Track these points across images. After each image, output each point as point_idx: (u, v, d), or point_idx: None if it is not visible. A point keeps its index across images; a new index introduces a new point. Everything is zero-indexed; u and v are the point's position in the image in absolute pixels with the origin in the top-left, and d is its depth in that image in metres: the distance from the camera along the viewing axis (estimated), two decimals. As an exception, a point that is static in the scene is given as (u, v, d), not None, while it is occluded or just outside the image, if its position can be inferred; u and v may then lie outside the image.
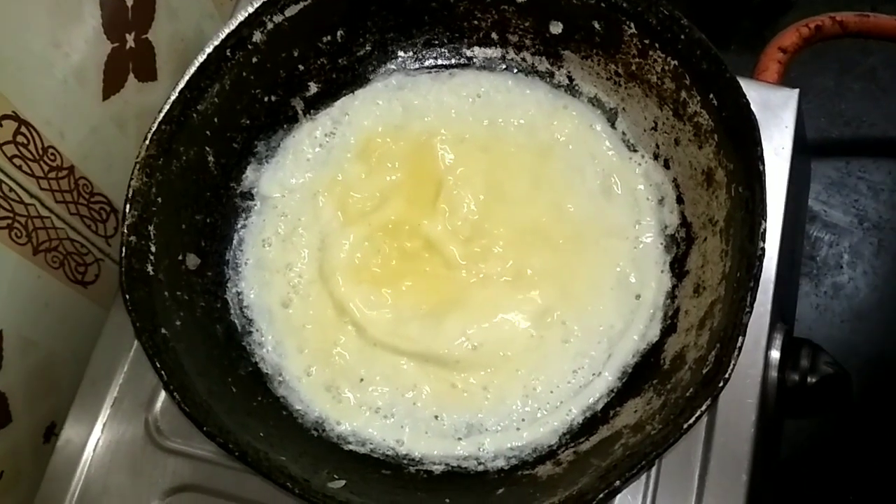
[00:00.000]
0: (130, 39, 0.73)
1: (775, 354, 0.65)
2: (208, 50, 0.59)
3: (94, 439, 0.66)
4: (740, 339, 0.50)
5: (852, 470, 0.92)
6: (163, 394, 0.66)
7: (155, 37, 0.76)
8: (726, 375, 0.50)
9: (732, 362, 0.50)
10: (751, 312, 0.51)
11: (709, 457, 0.61)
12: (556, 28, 0.67)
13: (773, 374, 0.65)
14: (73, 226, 0.71)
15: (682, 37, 0.60)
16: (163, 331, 0.55)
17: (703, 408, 0.49)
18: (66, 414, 0.67)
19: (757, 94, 0.67)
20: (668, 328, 0.60)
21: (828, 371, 0.67)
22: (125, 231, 0.56)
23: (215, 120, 0.62)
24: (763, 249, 0.52)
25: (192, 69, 0.59)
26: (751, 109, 0.56)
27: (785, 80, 0.87)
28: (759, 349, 0.63)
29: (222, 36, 0.60)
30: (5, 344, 0.65)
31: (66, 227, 0.70)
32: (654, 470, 0.61)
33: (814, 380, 0.67)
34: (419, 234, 0.65)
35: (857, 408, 0.86)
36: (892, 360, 0.96)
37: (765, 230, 0.53)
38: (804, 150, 0.77)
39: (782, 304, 0.70)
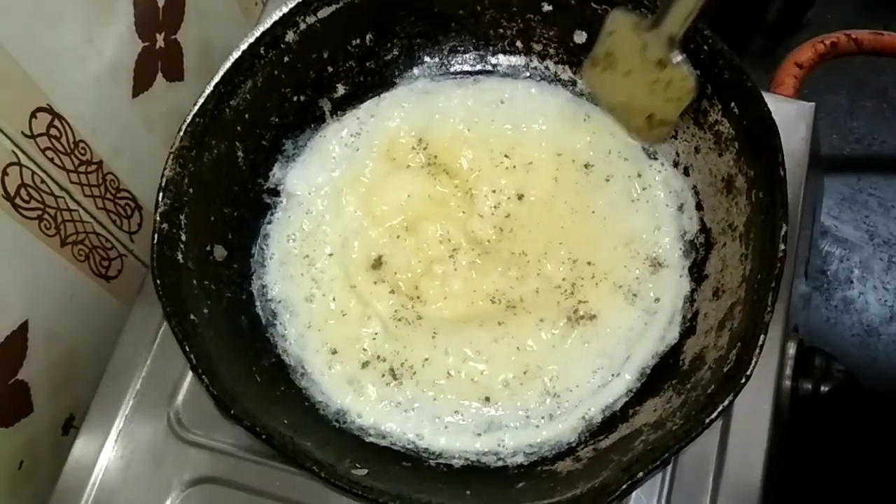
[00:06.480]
0: (160, 39, 0.74)
1: (789, 362, 0.66)
2: (243, 47, 0.60)
3: (115, 430, 0.66)
4: (762, 337, 0.51)
5: (862, 481, 0.93)
6: (185, 387, 0.66)
7: (184, 38, 0.77)
8: (748, 373, 0.51)
9: (754, 360, 0.51)
10: (772, 313, 0.52)
11: (724, 460, 0.62)
12: (581, 37, 0.68)
13: (787, 381, 0.65)
14: (100, 220, 0.72)
15: (705, 47, 0.61)
16: (192, 317, 0.56)
17: (725, 403, 0.50)
18: (87, 407, 0.68)
19: (774, 107, 0.68)
20: (688, 330, 0.61)
21: (840, 379, 0.68)
22: (157, 219, 0.57)
23: (246, 116, 0.63)
24: (784, 252, 0.53)
25: (227, 64, 0.60)
26: (772, 117, 0.58)
27: (798, 96, 0.88)
28: (773, 356, 0.64)
29: (257, 34, 0.61)
30: (30, 334, 0.66)
31: (93, 221, 0.71)
32: (668, 473, 0.62)
33: (826, 388, 0.68)
34: (440, 235, 0.66)
35: (866, 422, 0.86)
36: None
37: (786, 233, 0.54)
38: (818, 164, 0.78)
39: (796, 313, 0.71)
